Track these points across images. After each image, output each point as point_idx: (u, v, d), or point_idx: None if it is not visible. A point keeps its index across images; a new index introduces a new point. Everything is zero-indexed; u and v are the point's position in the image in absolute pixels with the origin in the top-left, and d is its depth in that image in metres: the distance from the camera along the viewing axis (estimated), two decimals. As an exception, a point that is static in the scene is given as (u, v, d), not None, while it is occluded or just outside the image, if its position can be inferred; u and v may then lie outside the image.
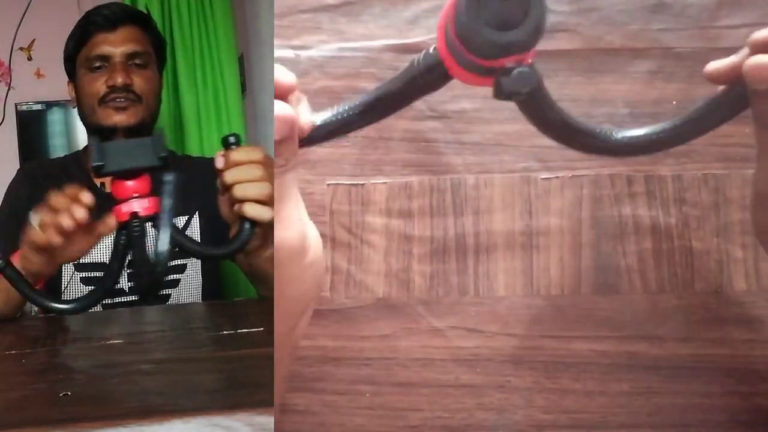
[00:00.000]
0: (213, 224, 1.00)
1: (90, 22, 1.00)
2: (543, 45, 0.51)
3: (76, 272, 0.93)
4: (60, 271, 0.91)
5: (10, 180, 1.01)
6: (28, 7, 2.10)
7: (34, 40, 2.14)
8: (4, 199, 1.01)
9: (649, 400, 0.49)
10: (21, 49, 2.16)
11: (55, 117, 2.13)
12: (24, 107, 2.12)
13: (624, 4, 0.52)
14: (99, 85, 0.99)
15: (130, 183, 0.60)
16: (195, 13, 1.62)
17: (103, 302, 0.94)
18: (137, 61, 1.01)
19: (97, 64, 0.99)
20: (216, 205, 1.11)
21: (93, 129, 1.02)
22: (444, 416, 0.50)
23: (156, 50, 1.06)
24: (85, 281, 0.92)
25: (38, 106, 2.12)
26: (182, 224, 1.00)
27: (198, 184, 1.07)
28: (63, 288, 0.93)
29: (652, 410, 0.49)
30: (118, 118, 0.99)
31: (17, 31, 2.12)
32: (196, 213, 1.02)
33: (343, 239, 0.51)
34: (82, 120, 1.04)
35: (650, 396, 0.49)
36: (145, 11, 1.29)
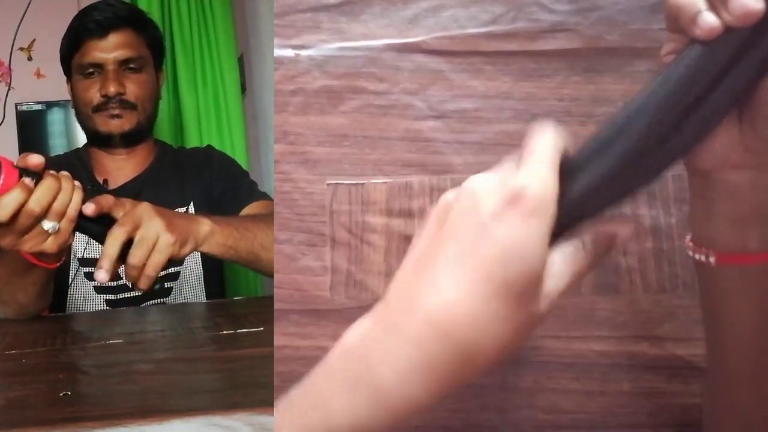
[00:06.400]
0: (207, 211, 1.00)
1: (82, 27, 0.99)
2: (543, 45, 0.52)
3: (81, 267, 0.93)
4: (66, 267, 0.91)
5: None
6: (28, 7, 2.10)
7: (34, 40, 2.15)
8: None
9: (649, 400, 0.49)
10: (21, 49, 2.16)
11: (55, 117, 2.13)
12: (24, 107, 2.12)
13: (624, 3, 0.52)
14: (93, 92, 0.99)
15: None
16: (195, 13, 1.62)
17: (108, 298, 0.94)
18: (131, 66, 1.00)
19: (90, 71, 0.99)
20: (210, 192, 1.12)
21: (90, 133, 1.03)
22: (444, 416, 0.50)
23: (153, 50, 1.06)
24: (89, 276, 0.92)
25: (38, 106, 2.12)
26: None
27: (192, 174, 1.08)
28: (69, 282, 0.93)
29: (653, 410, 0.49)
30: (114, 125, 1.00)
31: (17, 31, 2.12)
32: (191, 203, 1.02)
33: (343, 239, 0.51)
34: (79, 122, 1.04)
35: (650, 396, 0.49)
36: (141, 10, 1.29)
